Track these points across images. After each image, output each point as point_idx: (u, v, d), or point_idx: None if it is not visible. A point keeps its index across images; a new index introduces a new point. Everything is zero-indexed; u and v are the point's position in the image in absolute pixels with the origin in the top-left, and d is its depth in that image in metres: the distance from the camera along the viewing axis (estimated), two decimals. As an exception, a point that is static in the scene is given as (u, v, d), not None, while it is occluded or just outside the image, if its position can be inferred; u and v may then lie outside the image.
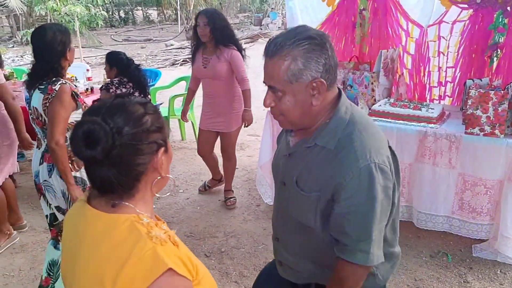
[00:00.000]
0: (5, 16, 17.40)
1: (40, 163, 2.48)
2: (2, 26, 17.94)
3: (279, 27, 17.54)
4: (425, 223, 3.25)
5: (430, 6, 3.60)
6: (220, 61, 3.58)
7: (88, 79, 4.85)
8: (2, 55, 11.71)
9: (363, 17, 3.80)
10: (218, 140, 3.99)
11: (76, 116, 2.43)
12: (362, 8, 3.78)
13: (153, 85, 5.49)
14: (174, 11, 21.44)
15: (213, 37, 3.54)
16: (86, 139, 0.96)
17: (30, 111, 2.47)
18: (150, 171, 1.05)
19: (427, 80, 3.81)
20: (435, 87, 3.83)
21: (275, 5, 19.71)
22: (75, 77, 4.60)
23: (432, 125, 3.19)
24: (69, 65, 2.49)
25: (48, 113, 2.33)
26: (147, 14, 23.27)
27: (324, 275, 1.49)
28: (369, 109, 3.45)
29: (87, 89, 4.63)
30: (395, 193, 1.41)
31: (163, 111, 4.95)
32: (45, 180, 2.48)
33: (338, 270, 1.38)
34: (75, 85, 2.46)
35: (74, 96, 2.39)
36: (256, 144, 5.44)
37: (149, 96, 4.33)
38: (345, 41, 4.02)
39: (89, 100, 4.49)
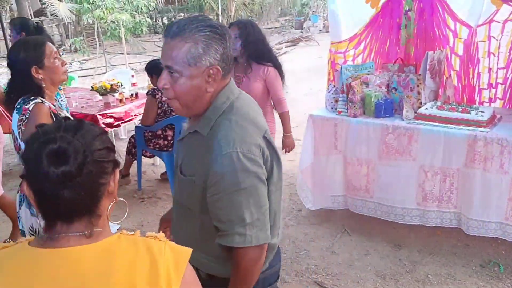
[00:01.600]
0: (56, 25, 18.19)
1: (18, 191, 2.25)
2: (52, 35, 18.75)
3: (320, 30, 17.44)
4: (476, 230, 3.12)
5: (480, 5, 3.46)
6: (255, 81, 3.18)
7: (133, 84, 4.98)
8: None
9: (409, 18, 3.70)
10: None
11: None
12: (407, 9, 3.68)
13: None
14: (215, 17, 21.72)
15: (245, 51, 3.14)
16: (55, 157, 0.89)
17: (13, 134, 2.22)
18: (105, 194, 0.99)
19: (476, 82, 3.66)
20: (485, 89, 3.67)
21: (316, 8, 19.61)
22: (121, 83, 4.73)
23: (482, 129, 3.06)
24: (53, 83, 2.20)
25: (23, 137, 2.05)
26: (189, 20, 23.68)
27: (215, 265, 1.49)
28: (415, 112, 3.35)
29: (132, 94, 4.75)
30: (271, 182, 1.44)
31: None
32: (18, 211, 2.24)
33: (232, 257, 1.40)
34: (54, 105, 2.20)
35: (52, 117, 2.11)
36: (297, 148, 5.39)
37: None
38: (389, 43, 3.93)
39: (134, 105, 4.61)
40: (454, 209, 3.23)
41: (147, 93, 4.12)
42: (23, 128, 2.05)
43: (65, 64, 2.24)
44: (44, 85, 2.14)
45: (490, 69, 3.56)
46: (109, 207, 1.01)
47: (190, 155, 1.45)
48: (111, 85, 4.58)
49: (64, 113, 2.31)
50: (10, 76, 2.21)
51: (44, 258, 0.92)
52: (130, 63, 12.05)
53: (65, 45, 16.95)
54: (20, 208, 2.22)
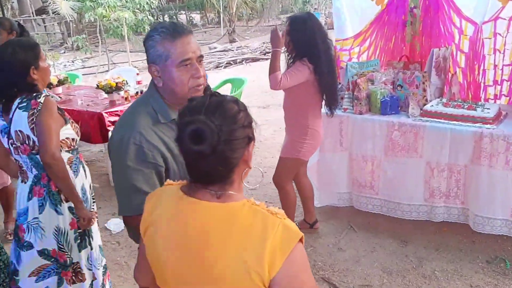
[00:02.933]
0: (57, 23, 18.19)
1: (29, 199, 2.22)
2: (54, 33, 18.75)
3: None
4: (482, 226, 3.14)
5: (485, 2, 3.46)
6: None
7: (138, 82, 4.98)
8: (55, 61, 12.23)
9: (414, 15, 3.70)
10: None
11: (67, 132, 2.23)
12: (413, 6, 3.68)
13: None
14: (216, 14, 21.70)
15: (293, 48, 2.98)
16: (194, 137, 1.04)
17: (11, 140, 2.19)
18: (241, 163, 1.13)
19: (481, 79, 3.66)
20: (491, 86, 3.67)
21: (318, 6, 19.59)
22: (126, 81, 4.74)
23: (489, 125, 3.07)
24: (44, 85, 2.24)
25: (37, 128, 2.09)
26: (190, 18, 23.67)
27: None
28: (421, 109, 3.36)
29: (137, 92, 4.75)
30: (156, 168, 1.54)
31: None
32: (34, 218, 2.21)
33: None
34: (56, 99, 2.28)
35: (60, 110, 2.20)
36: (302, 145, 5.42)
37: None
38: (395, 40, 3.93)
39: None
40: (462, 205, 3.25)
41: None
42: (35, 119, 2.08)
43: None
44: (37, 86, 2.17)
45: (495, 66, 3.56)
46: (243, 174, 1.16)
47: None
48: (116, 83, 4.59)
49: None
50: None
51: (184, 203, 1.14)
52: (133, 61, 12.05)
53: (67, 43, 16.95)
54: (41, 213, 2.20)
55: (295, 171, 3.28)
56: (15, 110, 2.14)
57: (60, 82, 5.18)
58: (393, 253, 3.20)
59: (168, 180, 1.30)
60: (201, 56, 1.53)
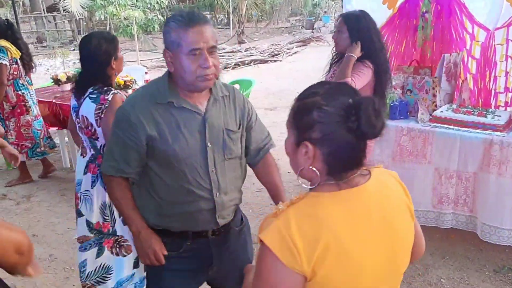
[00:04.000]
0: (68, 20, 18.30)
1: (85, 173, 2.43)
2: (64, 30, 18.86)
3: (331, 31, 17.37)
4: (489, 236, 3.08)
5: (498, 8, 3.43)
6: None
7: (146, 81, 4.98)
8: (64, 58, 12.28)
9: (426, 20, 3.67)
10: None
11: None
12: (424, 10, 3.65)
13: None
14: (226, 15, 21.74)
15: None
16: (377, 113, 1.04)
17: (78, 119, 2.39)
18: None
19: (492, 85, 3.63)
20: (502, 93, 3.63)
21: (328, 9, 19.56)
22: (134, 79, 4.74)
23: (499, 133, 3.03)
24: (116, 74, 2.45)
25: (103, 127, 2.25)
26: (200, 18, 23.71)
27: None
28: (430, 115, 3.33)
29: (145, 91, 4.75)
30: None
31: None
32: (86, 190, 2.41)
33: (269, 162, 1.93)
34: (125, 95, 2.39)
35: None
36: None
37: None
38: (405, 44, 3.90)
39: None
40: (470, 212, 3.20)
41: None
42: (102, 116, 2.25)
43: None
44: (111, 79, 2.36)
45: (507, 72, 3.53)
46: None
47: (227, 116, 1.70)
48: (125, 81, 4.59)
49: None
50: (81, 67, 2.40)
51: (352, 199, 1.09)
52: (142, 60, 12.08)
53: (77, 40, 17.02)
54: (92, 187, 2.40)
55: None
56: (86, 97, 2.32)
57: (69, 79, 5.18)
58: (399, 260, 3.16)
59: (279, 204, 1.10)
60: (214, 47, 1.54)
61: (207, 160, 1.64)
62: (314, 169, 1.08)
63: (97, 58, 2.29)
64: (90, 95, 2.30)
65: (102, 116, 2.25)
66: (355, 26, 2.74)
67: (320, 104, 1.05)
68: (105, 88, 2.29)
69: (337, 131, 1.04)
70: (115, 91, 2.31)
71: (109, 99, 2.25)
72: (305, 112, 1.07)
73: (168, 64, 1.59)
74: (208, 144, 1.64)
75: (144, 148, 1.60)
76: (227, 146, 1.69)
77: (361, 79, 2.70)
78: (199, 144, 1.63)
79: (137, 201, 1.73)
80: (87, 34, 2.54)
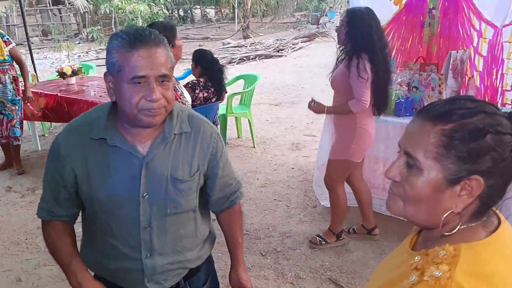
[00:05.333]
0: (73, 14, 18.30)
1: None
2: (70, 24, 18.88)
3: (336, 26, 17.31)
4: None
5: (506, 5, 3.39)
6: (339, 72, 2.91)
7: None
8: (70, 51, 12.31)
9: (433, 16, 3.64)
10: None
11: None
12: (431, 6, 3.62)
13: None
14: (231, 10, 21.69)
15: (349, 42, 2.84)
16: None
17: None
18: None
19: (499, 83, 3.60)
20: (508, 91, 3.60)
21: (333, 4, 19.47)
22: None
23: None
24: (176, 62, 2.52)
25: None
26: (205, 13, 23.71)
27: (203, 250, 1.59)
28: (436, 112, 3.31)
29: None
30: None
31: (221, 109, 5.00)
32: None
33: (233, 211, 1.63)
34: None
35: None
36: (312, 144, 5.39)
37: (223, 100, 4.43)
38: (412, 41, 3.87)
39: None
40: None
41: (186, 85, 4.13)
42: None
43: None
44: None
45: (514, 70, 3.50)
46: None
47: (178, 161, 1.36)
48: (73, 70, 4.64)
49: None
50: None
51: (498, 246, 0.85)
52: (146, 54, 12.08)
53: (82, 34, 17.05)
54: None
55: (346, 173, 3.14)
56: None
57: (74, 73, 5.20)
58: (402, 257, 3.16)
59: (416, 259, 0.88)
60: (165, 76, 1.22)
61: (139, 214, 1.34)
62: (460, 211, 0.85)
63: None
64: None
65: None
66: (355, 22, 2.79)
67: (494, 126, 0.81)
68: None
69: (509, 159, 0.82)
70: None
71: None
72: (475, 137, 0.81)
73: (108, 91, 1.29)
74: (144, 194, 1.32)
75: (73, 186, 1.35)
76: (172, 199, 1.36)
77: (365, 85, 2.79)
78: (131, 194, 1.32)
79: (82, 238, 1.51)
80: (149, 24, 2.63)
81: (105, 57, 1.29)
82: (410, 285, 0.83)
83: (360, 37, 2.77)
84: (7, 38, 4.43)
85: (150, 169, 1.32)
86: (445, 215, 0.84)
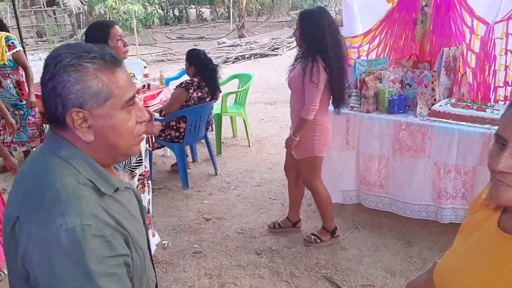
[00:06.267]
0: (68, 14, 18.24)
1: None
2: (64, 25, 18.81)
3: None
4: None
5: (498, 2, 3.41)
6: (296, 73, 2.97)
7: (145, 76, 4.97)
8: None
9: (425, 14, 3.65)
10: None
11: None
12: (424, 4, 3.63)
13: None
14: (226, 9, 21.67)
15: (303, 42, 2.93)
16: None
17: None
18: None
19: (492, 79, 3.61)
20: (501, 87, 3.62)
21: (328, 2, 19.46)
22: (133, 73, 4.73)
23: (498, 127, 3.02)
24: None
25: None
26: (200, 12, 23.68)
27: None
28: (429, 109, 3.32)
29: (144, 85, 4.75)
30: None
31: (216, 108, 5.00)
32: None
33: None
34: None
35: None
36: (308, 142, 5.39)
37: (217, 99, 4.43)
38: (404, 38, 3.88)
39: (146, 96, 4.60)
40: (468, 205, 3.20)
41: (180, 85, 4.12)
42: None
43: (127, 45, 2.64)
44: None
45: (506, 66, 3.51)
46: None
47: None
48: None
49: None
50: None
51: None
52: (141, 54, 12.05)
53: (76, 35, 16.98)
54: None
55: (317, 169, 3.20)
56: None
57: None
58: (397, 254, 3.17)
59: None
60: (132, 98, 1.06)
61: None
62: None
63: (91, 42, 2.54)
64: None
65: None
66: (307, 22, 2.88)
67: None
68: None
69: None
70: None
71: None
72: None
73: (79, 132, 0.99)
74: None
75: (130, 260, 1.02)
76: None
77: (319, 91, 2.88)
78: (144, 244, 1.10)
79: None
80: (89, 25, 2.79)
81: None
82: None
83: (314, 39, 2.84)
84: (12, 42, 4.34)
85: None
86: None
